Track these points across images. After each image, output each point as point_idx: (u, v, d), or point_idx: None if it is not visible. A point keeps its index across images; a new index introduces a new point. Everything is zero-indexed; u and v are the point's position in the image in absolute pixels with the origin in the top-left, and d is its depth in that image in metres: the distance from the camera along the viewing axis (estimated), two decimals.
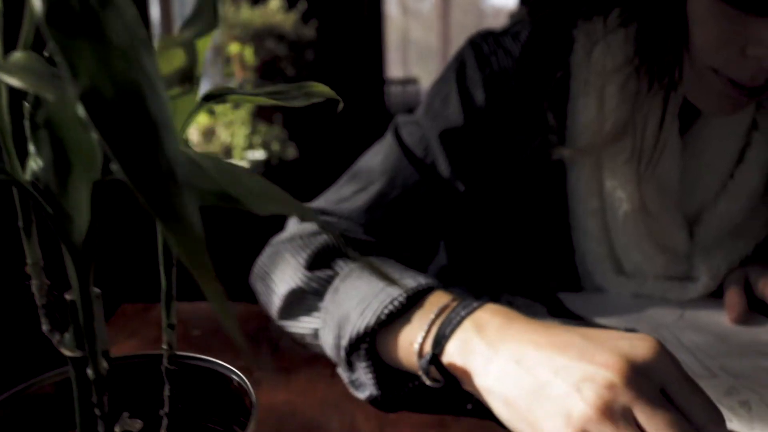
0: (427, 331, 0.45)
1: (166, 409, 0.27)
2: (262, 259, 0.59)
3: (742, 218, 0.65)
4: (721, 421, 0.37)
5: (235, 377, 0.31)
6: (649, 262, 0.63)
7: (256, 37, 2.27)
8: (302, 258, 0.55)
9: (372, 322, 0.47)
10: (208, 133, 2.26)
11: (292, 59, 2.36)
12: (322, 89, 0.29)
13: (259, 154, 2.25)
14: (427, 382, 0.46)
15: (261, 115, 2.35)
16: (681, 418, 0.35)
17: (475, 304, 0.45)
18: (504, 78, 0.63)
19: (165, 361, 0.27)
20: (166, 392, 0.27)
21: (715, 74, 0.55)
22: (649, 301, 0.64)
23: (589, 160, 0.62)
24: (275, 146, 2.30)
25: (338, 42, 2.50)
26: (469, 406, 0.47)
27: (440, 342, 0.44)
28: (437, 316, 0.46)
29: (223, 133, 2.26)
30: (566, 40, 0.63)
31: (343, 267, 0.54)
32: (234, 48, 2.29)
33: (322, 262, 0.55)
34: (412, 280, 0.49)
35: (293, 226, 0.62)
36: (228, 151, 2.26)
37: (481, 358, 0.42)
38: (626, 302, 0.64)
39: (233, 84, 2.34)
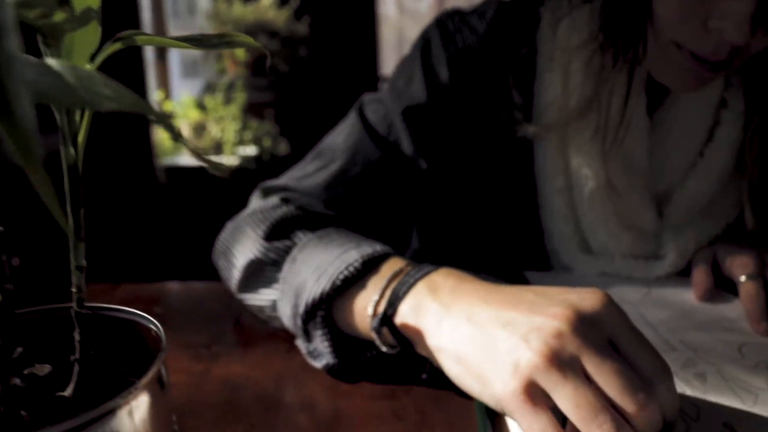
0: (381, 295, 0.45)
1: (77, 354, 0.26)
2: (224, 235, 0.60)
3: (712, 197, 0.64)
4: (668, 373, 0.36)
5: (150, 325, 0.30)
6: (615, 241, 0.63)
7: (248, 33, 2.27)
8: (261, 230, 0.55)
9: (327, 287, 0.47)
10: (199, 129, 2.26)
11: (285, 55, 2.36)
12: (244, 39, 0.29)
13: (250, 150, 2.25)
14: (383, 348, 0.45)
15: (252, 110, 2.35)
16: (628, 368, 0.35)
17: (429, 268, 0.45)
18: (468, 55, 0.62)
19: (74, 305, 0.26)
20: (77, 337, 0.26)
21: (678, 49, 0.54)
22: (616, 279, 0.63)
23: (555, 137, 0.61)
24: (267, 142, 2.30)
25: (332, 39, 2.50)
26: (424, 376, 0.47)
27: (394, 303, 0.44)
28: (391, 279, 0.45)
29: (213, 129, 2.26)
30: (532, 17, 0.63)
31: (301, 238, 0.54)
32: None
33: (281, 233, 0.55)
34: (369, 247, 0.49)
35: (255, 202, 0.62)
36: (219, 146, 2.26)
37: (433, 317, 0.42)
38: (593, 281, 0.63)
39: (226, 80, 2.35)
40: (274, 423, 0.42)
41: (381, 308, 0.45)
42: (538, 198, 0.64)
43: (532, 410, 0.35)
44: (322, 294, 0.47)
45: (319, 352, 0.49)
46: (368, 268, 0.48)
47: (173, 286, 0.67)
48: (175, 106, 2.42)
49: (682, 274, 0.63)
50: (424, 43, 0.64)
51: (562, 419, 0.35)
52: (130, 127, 2.01)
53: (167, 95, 2.42)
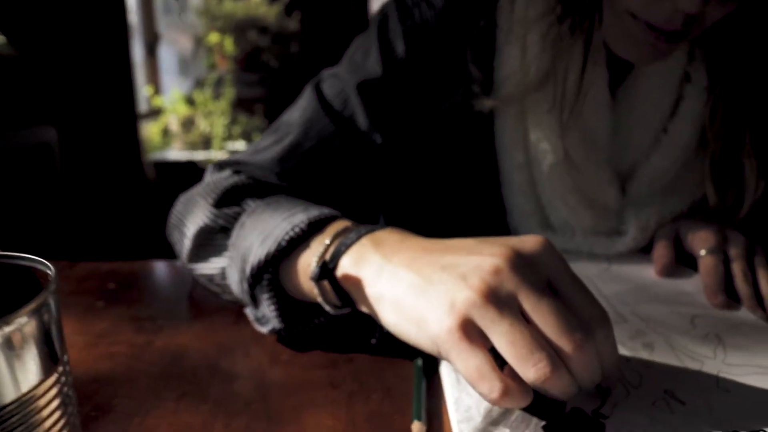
0: (325, 251, 0.44)
1: None
2: (176, 208, 0.59)
3: (676, 174, 0.63)
4: (606, 321, 0.36)
5: (47, 270, 0.29)
6: (576, 217, 0.62)
7: (238, 28, 2.27)
8: (211, 198, 0.55)
9: (272, 249, 0.46)
10: (188, 123, 2.25)
11: (275, 51, 2.36)
12: None
13: (239, 145, 2.23)
14: (327, 308, 0.45)
15: (242, 106, 2.34)
16: (566, 309, 0.35)
17: (375, 227, 0.45)
18: (425, 30, 0.61)
19: None
20: None
21: (633, 19, 0.53)
22: (577, 255, 0.62)
23: (514, 110, 0.60)
24: (256, 137, 2.29)
25: (322, 35, 2.49)
26: (373, 341, 0.46)
27: (336, 257, 0.43)
28: (336, 237, 0.45)
29: (202, 123, 2.25)
30: None
31: (251, 204, 0.53)
32: (213, 38, 2.29)
33: (231, 201, 0.54)
34: (316, 210, 0.48)
35: (209, 176, 0.61)
36: (207, 141, 2.25)
37: (373, 267, 0.41)
38: None
39: (216, 75, 2.34)
40: (207, 390, 0.41)
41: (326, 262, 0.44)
42: (499, 175, 0.63)
43: (468, 348, 0.34)
44: (267, 256, 0.46)
45: (266, 318, 0.48)
46: (315, 229, 0.47)
47: (131, 264, 0.67)
48: (164, 102, 2.41)
49: (645, 251, 0.62)
50: (381, 17, 0.63)
51: (501, 365, 0.34)
52: (118, 123, 2.00)
53: (157, 91, 2.41)
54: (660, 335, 0.46)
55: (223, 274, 0.53)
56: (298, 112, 0.62)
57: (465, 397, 0.38)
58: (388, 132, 0.60)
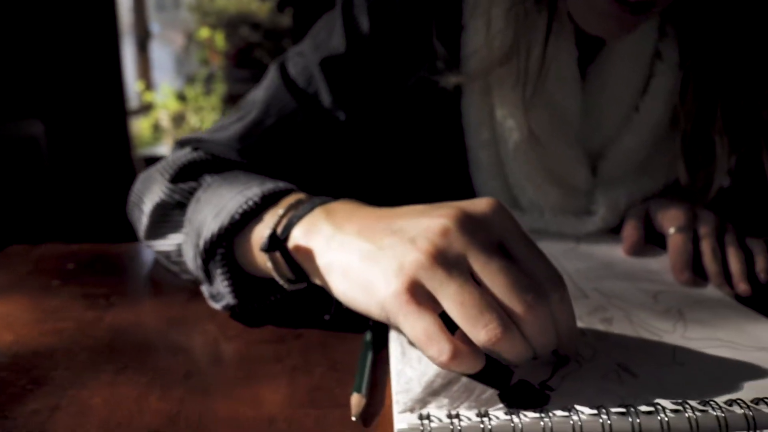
0: (277, 223, 0.43)
1: None
2: (136, 186, 0.58)
3: (648, 154, 0.62)
4: (561, 282, 0.35)
5: None
6: (544, 196, 0.61)
7: (230, 24, 2.26)
8: (168, 174, 0.53)
9: (225, 222, 0.45)
10: (178, 119, 2.24)
11: (268, 47, 2.35)
12: None
13: None
14: (281, 282, 0.43)
15: (233, 101, 2.33)
16: (518, 270, 0.33)
17: (330, 199, 0.44)
18: (391, 5, 0.60)
19: None
20: None
21: None
22: (546, 235, 0.61)
23: (480, 87, 0.59)
24: None
25: None
26: (327, 317, 0.45)
27: (288, 228, 0.42)
28: (289, 209, 0.44)
29: (192, 119, 2.24)
30: None
31: (207, 180, 0.52)
32: (204, 33, 2.28)
33: (189, 176, 0.53)
34: (272, 184, 0.47)
35: (170, 153, 0.60)
36: None
37: (324, 236, 0.40)
38: None
39: (207, 71, 2.34)
40: (149, 364, 0.40)
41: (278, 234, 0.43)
42: (467, 154, 0.62)
43: (416, 310, 0.33)
44: (220, 229, 0.45)
45: (220, 294, 0.47)
46: (269, 202, 0.46)
47: (93, 245, 0.65)
48: (155, 97, 2.40)
49: (616, 232, 0.61)
50: None
51: (452, 331, 0.33)
52: (107, 118, 1.99)
53: (148, 86, 2.41)
54: (620, 310, 0.45)
55: (179, 250, 0.52)
56: (261, 91, 0.61)
57: (408, 369, 0.37)
58: (352, 109, 0.59)
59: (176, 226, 0.52)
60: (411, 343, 0.39)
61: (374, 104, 0.61)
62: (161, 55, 2.77)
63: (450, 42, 0.60)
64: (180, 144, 0.60)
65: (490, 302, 0.32)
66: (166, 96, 2.34)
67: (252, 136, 0.57)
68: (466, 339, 0.33)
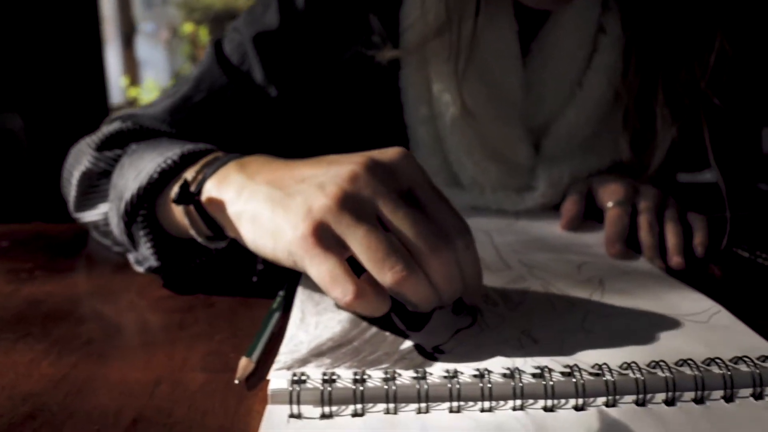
0: (193, 179, 0.42)
1: None
2: (68, 160, 0.57)
3: (593, 131, 0.61)
4: (467, 230, 0.35)
5: None
6: (484, 173, 0.60)
7: (216, 19, 2.26)
8: (93, 143, 0.53)
9: (144, 182, 0.44)
10: None
11: None
12: None
13: None
14: (199, 239, 0.43)
15: None
16: (424, 217, 0.34)
17: (247, 155, 0.43)
18: None
19: None
20: None
21: None
22: (486, 212, 0.60)
23: (417, 61, 0.58)
24: None
25: None
26: (255, 279, 0.46)
27: (202, 182, 0.42)
28: (205, 166, 0.43)
29: None
30: None
31: (132, 146, 0.52)
32: (188, 28, 2.28)
33: (115, 146, 0.53)
34: (192, 145, 0.46)
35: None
36: None
37: (235, 187, 0.39)
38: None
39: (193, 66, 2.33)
40: (52, 332, 0.39)
41: (192, 190, 0.42)
42: (406, 130, 0.61)
43: (322, 253, 0.33)
44: (139, 190, 0.44)
45: (145, 258, 0.46)
46: (188, 162, 0.45)
47: (34, 225, 0.65)
48: (140, 92, 2.40)
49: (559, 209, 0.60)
50: None
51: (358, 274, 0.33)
52: (89, 113, 1.98)
53: (134, 81, 2.41)
54: (539, 280, 0.44)
55: (107, 219, 0.51)
56: (195, 68, 0.60)
57: (302, 333, 0.36)
58: (284, 85, 0.58)
59: (104, 195, 0.52)
60: (320, 290, 0.38)
61: (309, 80, 0.60)
62: (153, 52, 2.77)
63: (389, 16, 0.59)
64: (111, 120, 0.59)
65: (396, 246, 0.33)
66: (151, 91, 2.34)
67: (182, 110, 0.56)
68: (373, 283, 0.33)
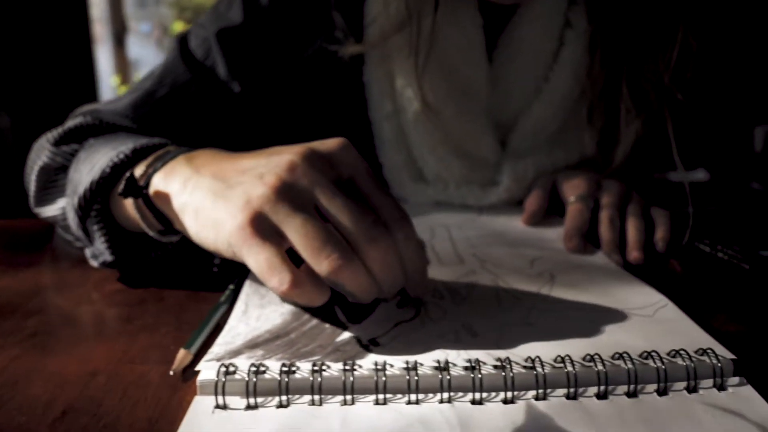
0: (144, 173, 0.42)
1: None
2: (30, 156, 0.57)
3: (560, 126, 0.61)
4: (407, 222, 0.35)
5: None
6: (447, 169, 0.60)
7: None
8: (53, 138, 0.53)
9: (97, 176, 0.44)
10: None
11: None
12: None
13: None
14: (151, 233, 0.42)
15: None
16: (362, 207, 0.34)
17: (198, 149, 0.43)
18: None
19: None
20: None
21: None
22: (450, 207, 0.60)
23: (380, 56, 0.58)
24: None
25: None
26: (215, 269, 0.46)
27: (151, 176, 0.42)
28: (157, 159, 0.43)
29: None
30: None
31: (90, 141, 0.51)
32: (177, 27, 2.28)
33: (74, 140, 0.53)
34: (146, 139, 0.46)
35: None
36: None
37: (181, 179, 0.39)
38: (422, 209, 0.60)
39: None
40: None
41: (141, 183, 0.42)
42: (371, 126, 0.61)
43: (259, 243, 0.33)
44: (92, 184, 0.44)
45: (100, 252, 0.47)
46: (141, 156, 0.45)
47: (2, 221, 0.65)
48: None
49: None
50: None
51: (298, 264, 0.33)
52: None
53: (125, 80, 2.40)
54: (490, 274, 0.44)
55: (64, 214, 0.51)
56: (160, 64, 0.60)
57: (242, 325, 0.36)
58: (248, 80, 0.58)
59: (62, 190, 0.51)
60: (261, 282, 0.38)
61: (272, 76, 0.60)
62: (145, 51, 2.77)
63: (353, 11, 0.59)
64: (75, 115, 0.59)
65: (333, 235, 0.33)
66: None
67: (144, 105, 0.56)
68: (311, 273, 0.33)
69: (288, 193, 0.33)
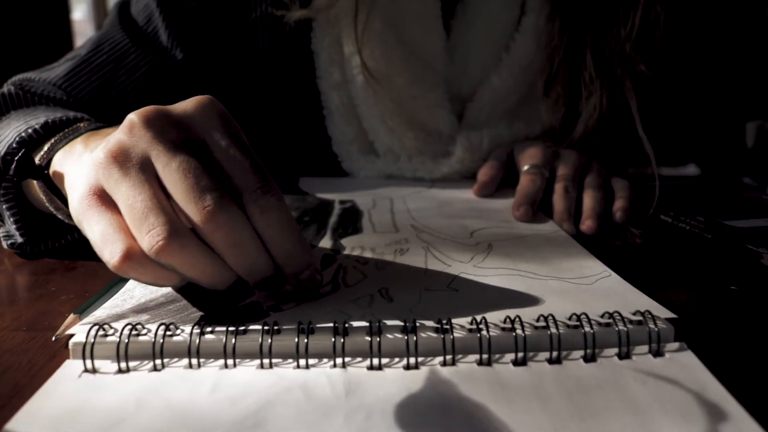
0: (49, 150, 0.39)
1: None
2: None
3: (520, 98, 0.58)
4: (266, 191, 0.29)
5: None
6: (399, 141, 0.57)
7: None
8: None
9: (2, 152, 0.41)
10: None
11: None
12: None
13: None
14: (59, 215, 0.39)
15: None
16: (203, 171, 0.28)
17: (107, 125, 0.40)
18: None
19: None
20: None
21: None
22: (401, 181, 0.57)
23: (327, 22, 0.56)
24: None
25: None
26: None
27: (50, 154, 0.39)
28: (65, 136, 0.40)
29: None
30: None
31: (11, 114, 0.48)
32: None
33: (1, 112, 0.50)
34: (62, 113, 0.43)
35: None
36: None
37: (75, 157, 0.36)
38: (372, 183, 0.57)
39: None
40: None
41: (41, 162, 0.39)
42: (321, 97, 0.59)
43: (97, 213, 0.28)
44: None
45: (11, 233, 0.44)
46: (53, 132, 0.41)
47: None
48: None
49: None
50: None
51: None
52: None
53: None
54: (422, 242, 0.41)
55: None
56: (98, 31, 0.57)
57: (139, 289, 0.34)
58: (191, 48, 0.56)
59: None
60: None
61: (216, 43, 0.57)
62: None
63: None
64: (6, 84, 0.56)
65: (159, 205, 0.28)
66: None
67: (80, 74, 0.54)
68: None
69: (122, 158, 0.29)
